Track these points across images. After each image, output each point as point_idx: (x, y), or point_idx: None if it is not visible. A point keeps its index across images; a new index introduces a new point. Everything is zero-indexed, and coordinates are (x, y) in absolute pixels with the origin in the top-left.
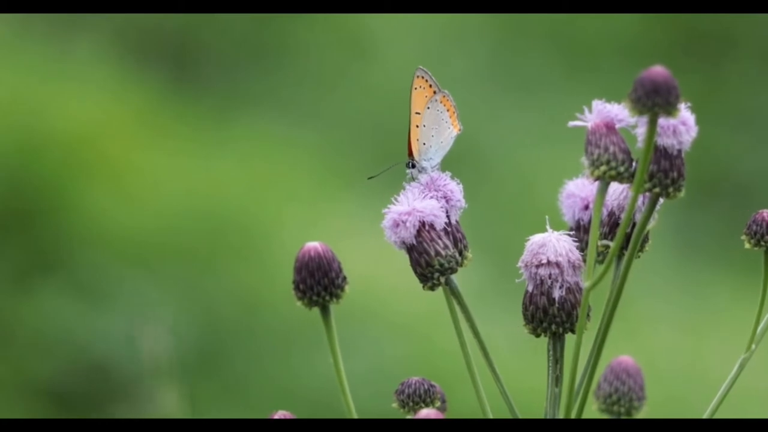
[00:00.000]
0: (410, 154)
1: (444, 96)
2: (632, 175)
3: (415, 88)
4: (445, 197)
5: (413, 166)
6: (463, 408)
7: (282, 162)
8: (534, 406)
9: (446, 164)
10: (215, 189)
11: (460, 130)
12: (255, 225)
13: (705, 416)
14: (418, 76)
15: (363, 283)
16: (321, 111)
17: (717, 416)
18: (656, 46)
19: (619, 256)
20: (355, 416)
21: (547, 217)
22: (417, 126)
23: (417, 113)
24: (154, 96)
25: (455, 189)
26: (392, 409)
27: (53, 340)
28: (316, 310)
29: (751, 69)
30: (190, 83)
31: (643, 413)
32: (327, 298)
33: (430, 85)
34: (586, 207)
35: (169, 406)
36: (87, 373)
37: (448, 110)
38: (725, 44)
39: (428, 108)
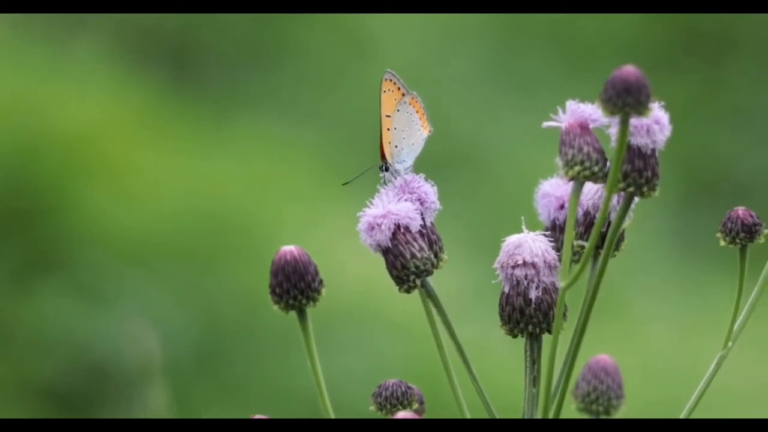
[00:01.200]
0: (383, 157)
1: (413, 98)
2: (606, 175)
3: (384, 91)
4: (419, 199)
5: (387, 169)
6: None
7: (282, 162)
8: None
9: (446, 164)
10: (215, 189)
11: (430, 131)
12: (255, 225)
13: (683, 415)
14: (386, 80)
15: (362, 283)
16: (321, 111)
17: (698, 415)
18: (656, 46)
19: (595, 256)
20: (333, 416)
21: (522, 217)
22: (388, 129)
23: (387, 116)
24: (154, 96)
25: (429, 191)
26: None
27: (53, 340)
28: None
29: (751, 69)
30: (190, 83)
31: (621, 413)
32: (303, 301)
33: (399, 88)
34: (562, 207)
35: (168, 406)
36: (87, 373)
37: (417, 112)
38: (725, 44)
39: (398, 110)
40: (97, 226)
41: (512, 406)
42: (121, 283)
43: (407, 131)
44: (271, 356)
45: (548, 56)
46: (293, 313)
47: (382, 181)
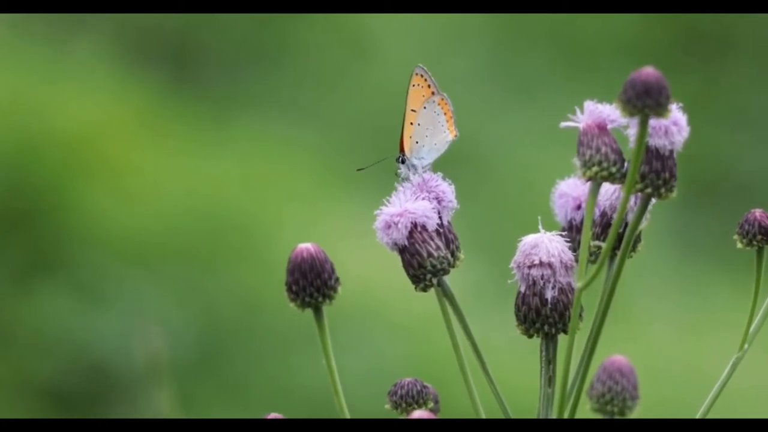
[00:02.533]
0: (402, 149)
1: (442, 99)
2: (624, 176)
3: (413, 86)
4: (437, 198)
5: (403, 162)
6: (462, 407)
7: (282, 162)
8: (534, 407)
9: (446, 164)
10: (215, 189)
11: (456, 136)
12: (255, 225)
13: (698, 416)
14: (416, 74)
15: (363, 283)
16: (321, 111)
17: (711, 416)
18: (656, 46)
19: (612, 257)
20: (348, 416)
21: (539, 217)
22: (411, 123)
23: (412, 110)
24: (154, 96)
25: (447, 190)
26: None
27: (53, 340)
28: (308, 312)
29: (751, 69)
30: (190, 83)
31: (636, 413)
32: (320, 299)
33: (429, 85)
34: (579, 207)
35: (169, 406)
36: (87, 373)
37: (445, 114)
38: (725, 44)
39: (424, 108)
40: (97, 226)
41: (514, 405)
42: (121, 283)
43: (431, 130)
44: (271, 356)
45: (548, 56)
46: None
47: (399, 174)
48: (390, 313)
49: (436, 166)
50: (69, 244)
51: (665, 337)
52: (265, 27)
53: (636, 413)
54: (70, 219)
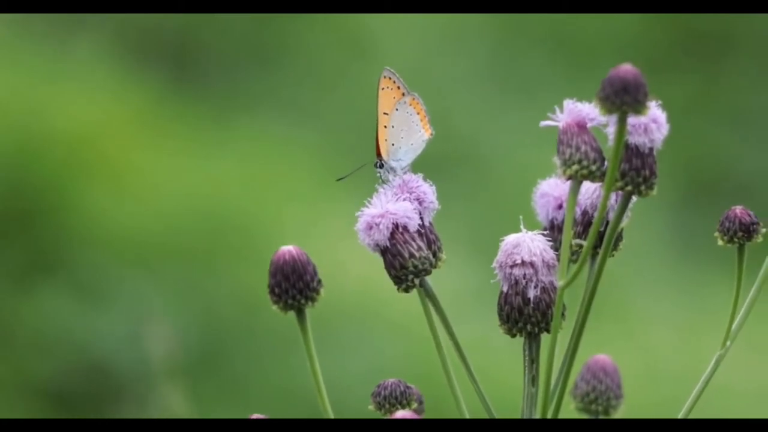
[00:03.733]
0: (378, 154)
1: (414, 98)
2: (604, 174)
3: (382, 89)
4: (418, 199)
5: (382, 166)
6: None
7: (282, 162)
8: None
9: (446, 164)
10: (215, 189)
11: (431, 134)
12: (255, 225)
13: (680, 415)
14: (384, 77)
15: (363, 283)
16: (321, 111)
17: (694, 415)
18: (656, 46)
19: (593, 255)
20: (332, 416)
21: (520, 217)
22: (385, 126)
23: (385, 114)
24: (154, 96)
25: (428, 191)
26: None
27: (53, 340)
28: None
29: (750, 69)
30: (190, 83)
31: (620, 412)
32: (302, 301)
33: (398, 87)
34: (560, 206)
35: (169, 406)
36: (87, 373)
37: (418, 113)
38: (725, 44)
39: (396, 109)
40: (97, 226)
41: (514, 406)
42: (121, 283)
43: (406, 131)
44: (271, 356)
45: (548, 56)
46: (292, 314)
47: (379, 178)
48: (390, 313)
49: (430, 166)
50: (69, 244)
51: (663, 336)
52: (265, 27)
53: (620, 413)
54: (70, 219)
